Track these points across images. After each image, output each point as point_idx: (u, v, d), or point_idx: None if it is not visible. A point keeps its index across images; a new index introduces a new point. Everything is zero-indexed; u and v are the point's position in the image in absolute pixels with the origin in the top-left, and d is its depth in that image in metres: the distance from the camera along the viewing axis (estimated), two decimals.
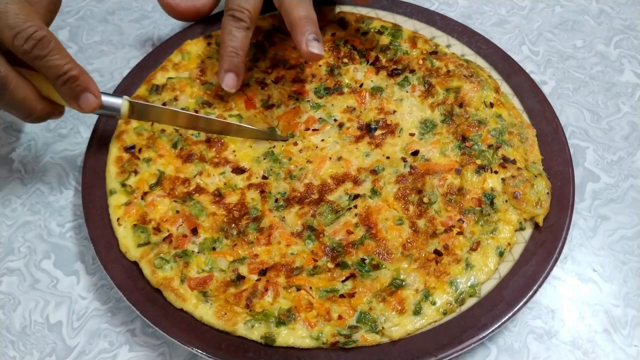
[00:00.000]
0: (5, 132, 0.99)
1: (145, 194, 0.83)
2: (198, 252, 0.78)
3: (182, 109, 0.92)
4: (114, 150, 0.87)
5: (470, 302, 0.74)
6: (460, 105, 0.89)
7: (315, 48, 0.84)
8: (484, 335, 0.70)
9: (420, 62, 0.95)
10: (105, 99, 0.81)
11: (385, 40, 0.99)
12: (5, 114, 1.01)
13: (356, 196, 0.82)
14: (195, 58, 0.98)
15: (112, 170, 0.85)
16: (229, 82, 0.89)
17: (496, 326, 0.71)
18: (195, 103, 0.94)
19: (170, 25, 1.14)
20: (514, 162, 0.83)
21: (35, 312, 0.80)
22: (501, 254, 0.77)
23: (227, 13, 0.88)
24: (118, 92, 0.95)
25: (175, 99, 0.94)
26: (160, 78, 0.95)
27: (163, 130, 0.90)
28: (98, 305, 0.81)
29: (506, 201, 0.80)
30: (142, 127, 0.90)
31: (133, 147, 0.87)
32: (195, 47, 0.99)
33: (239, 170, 0.87)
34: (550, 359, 0.76)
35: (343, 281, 0.75)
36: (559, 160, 0.85)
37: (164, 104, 0.93)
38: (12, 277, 0.83)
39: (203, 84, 0.96)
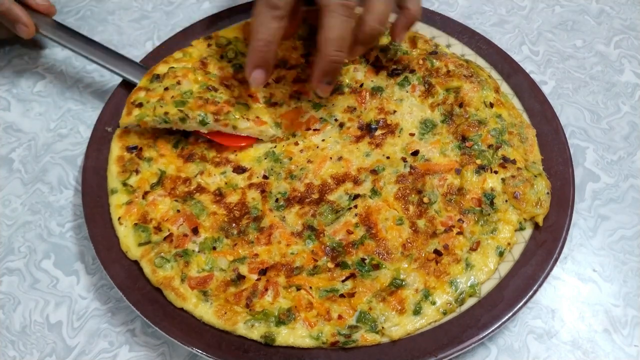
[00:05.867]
0: (5, 132, 0.99)
1: (146, 193, 0.83)
2: (198, 252, 0.78)
3: (186, 92, 0.88)
4: (116, 150, 0.87)
5: (470, 302, 0.74)
6: (460, 105, 0.89)
7: (322, 91, 0.83)
8: (484, 335, 0.70)
9: (420, 62, 0.95)
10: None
11: (385, 40, 0.99)
12: (6, 113, 1.02)
13: (356, 196, 0.82)
14: (197, 58, 0.97)
15: (113, 170, 0.85)
16: (258, 78, 0.81)
17: (496, 326, 0.71)
18: (199, 87, 0.89)
19: (170, 26, 1.14)
20: (514, 162, 0.83)
21: (35, 312, 0.80)
22: (501, 254, 0.77)
23: None
24: (121, 91, 0.95)
25: (178, 83, 0.89)
26: (161, 68, 0.93)
27: (165, 130, 0.90)
28: (98, 305, 0.81)
29: (506, 201, 0.80)
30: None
31: (136, 147, 0.87)
32: (196, 49, 0.98)
33: (239, 169, 0.87)
34: (550, 358, 0.76)
35: (343, 281, 0.75)
36: (559, 160, 0.85)
37: (165, 89, 0.89)
38: (12, 277, 0.83)
39: (206, 74, 0.93)
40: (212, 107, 0.86)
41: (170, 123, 0.87)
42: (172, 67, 0.93)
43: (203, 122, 0.86)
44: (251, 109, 0.90)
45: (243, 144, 0.89)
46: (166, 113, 0.85)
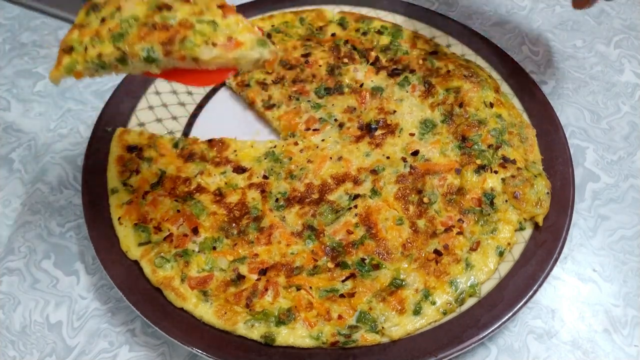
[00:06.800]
0: (5, 132, 0.99)
1: (146, 193, 0.83)
2: (198, 252, 0.78)
3: (127, 20, 0.64)
4: (116, 150, 0.87)
5: (470, 302, 0.74)
6: (460, 105, 0.89)
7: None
8: (484, 335, 0.70)
9: (420, 62, 0.95)
10: None
11: (385, 40, 0.99)
12: (6, 113, 1.01)
13: (356, 196, 0.82)
14: None
15: (113, 170, 0.85)
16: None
17: (496, 326, 0.71)
18: (147, 8, 0.64)
19: None
20: (513, 162, 0.83)
21: (35, 312, 0.80)
22: (501, 254, 0.77)
23: None
24: (121, 91, 0.95)
25: (118, 9, 0.64)
26: None
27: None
28: (98, 305, 0.81)
29: (506, 201, 0.80)
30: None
31: (136, 147, 0.87)
32: None
33: (239, 169, 0.87)
34: (550, 358, 0.76)
35: (343, 281, 0.75)
36: (559, 160, 0.85)
37: (102, 20, 0.64)
38: (12, 277, 0.83)
39: None
40: (162, 34, 0.63)
41: (108, 68, 0.65)
42: None
43: (150, 59, 0.63)
44: (220, 27, 0.64)
45: (221, 78, 0.67)
46: (100, 55, 0.63)
